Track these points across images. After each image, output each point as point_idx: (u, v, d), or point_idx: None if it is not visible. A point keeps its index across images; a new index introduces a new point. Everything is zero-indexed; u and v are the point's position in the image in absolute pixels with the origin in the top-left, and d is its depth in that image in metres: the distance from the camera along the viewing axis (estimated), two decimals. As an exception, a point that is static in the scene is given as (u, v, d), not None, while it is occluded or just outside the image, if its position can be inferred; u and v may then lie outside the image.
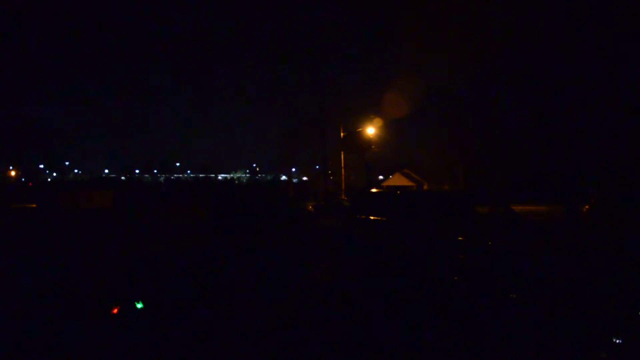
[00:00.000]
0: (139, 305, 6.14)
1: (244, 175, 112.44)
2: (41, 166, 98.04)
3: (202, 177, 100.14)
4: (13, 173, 71.58)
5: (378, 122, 33.17)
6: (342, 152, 36.25)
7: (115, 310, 6.03)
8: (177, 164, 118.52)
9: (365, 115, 34.15)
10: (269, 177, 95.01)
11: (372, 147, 34.39)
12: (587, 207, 18.69)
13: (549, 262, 6.31)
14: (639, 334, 4.79)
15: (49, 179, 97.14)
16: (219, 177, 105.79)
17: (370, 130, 33.47)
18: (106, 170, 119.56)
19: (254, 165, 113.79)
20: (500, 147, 35.62)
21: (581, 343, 4.76)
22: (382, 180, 66.21)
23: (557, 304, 5.68)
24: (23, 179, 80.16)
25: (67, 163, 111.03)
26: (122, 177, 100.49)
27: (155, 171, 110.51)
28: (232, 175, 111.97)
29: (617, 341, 4.68)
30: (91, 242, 14.41)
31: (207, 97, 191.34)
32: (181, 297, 6.97)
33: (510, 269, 6.42)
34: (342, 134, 35.13)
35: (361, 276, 8.47)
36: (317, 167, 45.56)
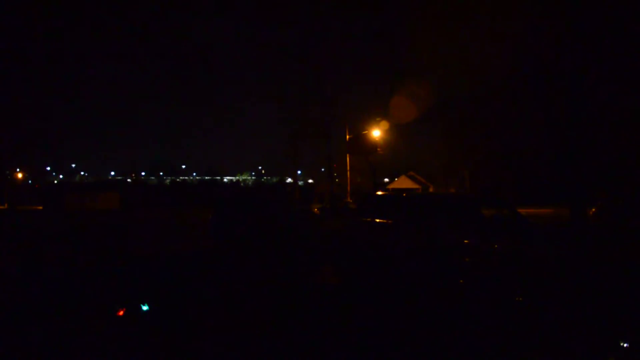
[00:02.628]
0: (145, 308, 6.16)
1: (249, 177, 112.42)
2: (48, 168, 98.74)
3: (207, 179, 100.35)
4: (20, 175, 71.96)
5: (384, 124, 33.12)
6: (347, 155, 36.27)
7: (121, 313, 6.05)
8: (183, 166, 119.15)
9: (371, 117, 34.12)
10: (274, 180, 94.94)
11: (378, 149, 34.35)
12: (593, 209, 18.53)
13: (555, 265, 6.28)
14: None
15: (55, 181, 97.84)
16: (225, 180, 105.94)
17: (376, 133, 33.44)
18: (112, 173, 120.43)
19: (260, 167, 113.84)
20: (506, 149, 35.47)
21: (588, 347, 4.73)
22: (387, 183, 66.24)
23: (563, 308, 5.64)
24: (30, 181, 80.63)
25: (73, 165, 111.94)
26: (128, 180, 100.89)
27: (161, 173, 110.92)
28: (237, 177, 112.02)
29: (624, 345, 4.65)
30: (97, 244, 14.48)
31: (213, 99, 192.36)
32: (187, 299, 6.99)
33: (517, 272, 6.39)
34: (347, 137, 35.13)
35: (366, 279, 8.46)
36: (323, 169, 45.64)
